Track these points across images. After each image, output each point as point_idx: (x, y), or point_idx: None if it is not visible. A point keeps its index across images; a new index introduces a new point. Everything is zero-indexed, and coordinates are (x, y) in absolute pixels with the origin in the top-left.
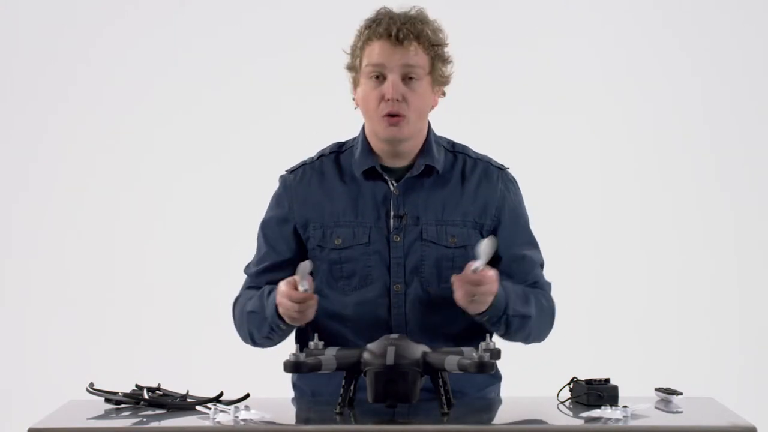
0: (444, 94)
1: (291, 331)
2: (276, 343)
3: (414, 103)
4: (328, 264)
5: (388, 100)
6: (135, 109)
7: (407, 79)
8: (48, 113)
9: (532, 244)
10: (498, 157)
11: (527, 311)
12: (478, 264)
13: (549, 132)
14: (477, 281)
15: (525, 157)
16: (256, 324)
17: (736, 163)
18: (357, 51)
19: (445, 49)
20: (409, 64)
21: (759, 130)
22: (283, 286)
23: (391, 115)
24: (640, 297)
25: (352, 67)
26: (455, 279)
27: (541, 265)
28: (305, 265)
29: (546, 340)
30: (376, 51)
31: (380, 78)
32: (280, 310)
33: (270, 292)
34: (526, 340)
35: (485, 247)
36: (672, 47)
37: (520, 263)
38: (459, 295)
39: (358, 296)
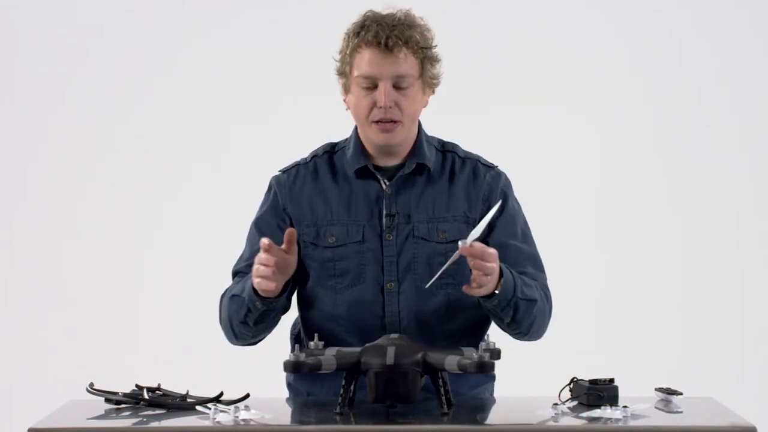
0: (433, 92)
1: (268, 318)
2: (255, 337)
3: (407, 109)
4: (320, 262)
5: (381, 107)
6: (133, 110)
7: (398, 86)
8: (47, 113)
9: (521, 236)
10: (496, 153)
11: (533, 295)
12: (467, 239)
13: (547, 129)
14: (479, 254)
15: (523, 155)
16: (236, 307)
17: (737, 162)
18: (346, 57)
19: (434, 50)
20: (399, 74)
21: (759, 124)
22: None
23: (384, 122)
24: (640, 297)
25: (342, 73)
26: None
27: (534, 260)
28: None
29: (544, 339)
30: (366, 60)
31: (371, 87)
32: (254, 271)
33: None
34: (530, 330)
35: (473, 232)
36: (671, 44)
37: (504, 252)
38: (473, 276)
39: (351, 295)
